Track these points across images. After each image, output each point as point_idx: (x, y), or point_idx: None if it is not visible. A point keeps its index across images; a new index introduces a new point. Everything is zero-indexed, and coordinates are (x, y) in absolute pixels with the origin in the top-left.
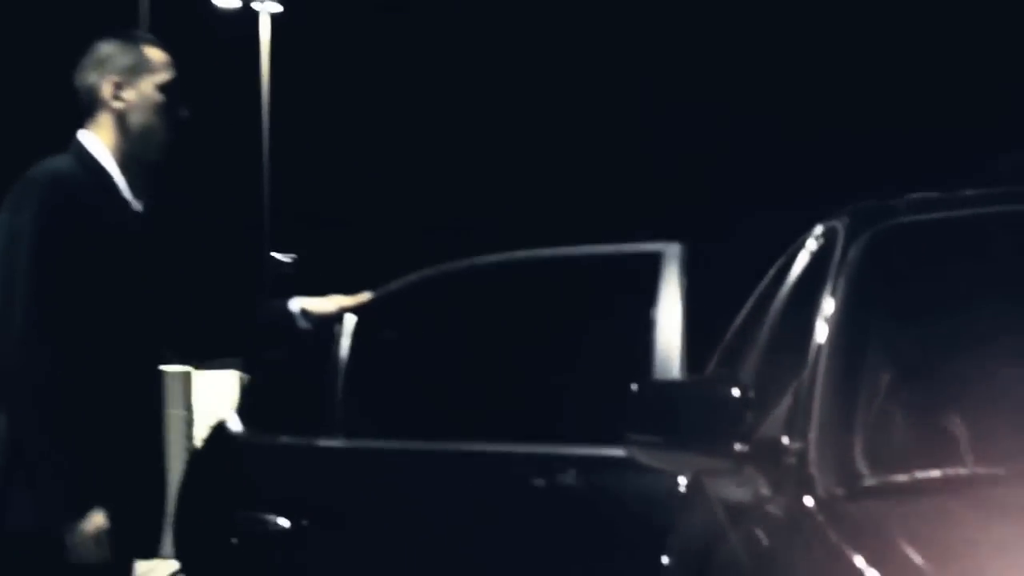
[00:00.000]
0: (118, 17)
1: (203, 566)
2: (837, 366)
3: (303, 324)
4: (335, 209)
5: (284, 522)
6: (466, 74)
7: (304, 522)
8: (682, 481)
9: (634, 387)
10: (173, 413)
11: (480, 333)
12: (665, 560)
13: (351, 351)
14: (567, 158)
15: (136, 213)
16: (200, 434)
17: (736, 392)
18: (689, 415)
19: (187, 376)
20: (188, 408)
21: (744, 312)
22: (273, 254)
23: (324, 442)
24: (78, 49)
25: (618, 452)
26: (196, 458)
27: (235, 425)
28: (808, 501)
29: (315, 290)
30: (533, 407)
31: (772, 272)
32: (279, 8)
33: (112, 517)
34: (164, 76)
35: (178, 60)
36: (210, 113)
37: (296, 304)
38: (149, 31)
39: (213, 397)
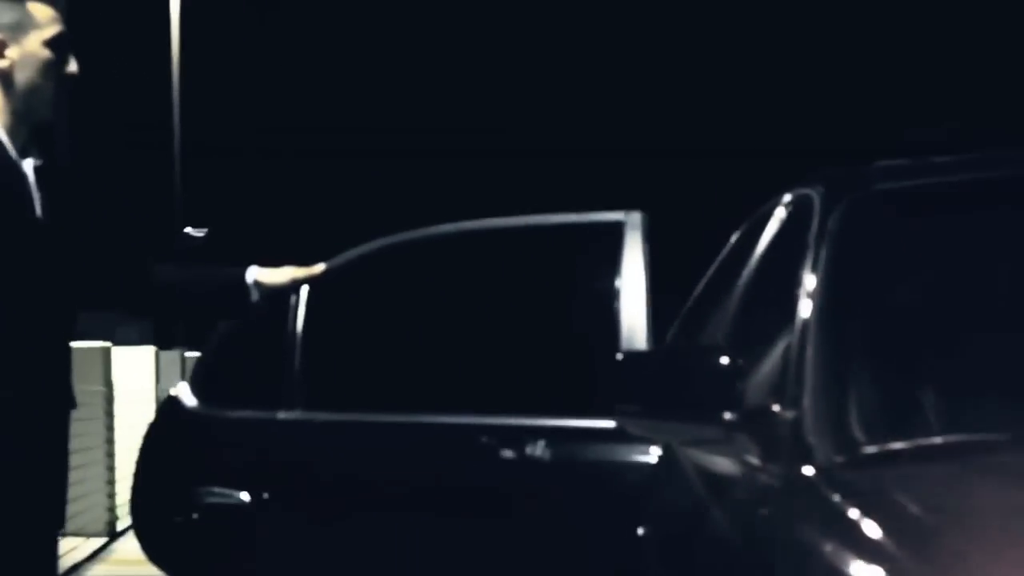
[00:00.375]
0: None
1: (163, 542)
2: (827, 333)
3: (255, 296)
4: (248, 182)
5: (245, 496)
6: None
7: (265, 495)
8: (654, 451)
9: (620, 356)
10: (92, 389)
11: (440, 303)
12: (640, 531)
13: (306, 322)
14: (513, 124)
15: (23, 174)
16: (119, 410)
17: (725, 361)
18: (677, 384)
19: (106, 352)
20: (107, 384)
21: (705, 281)
22: (187, 229)
23: (283, 415)
24: None
25: (586, 423)
26: (151, 434)
27: (189, 399)
28: (808, 470)
29: (227, 264)
30: (498, 378)
31: (733, 241)
32: None
33: (12, 491)
34: (51, 31)
35: (88, 27)
36: (120, 83)
37: (251, 274)
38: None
39: (131, 373)
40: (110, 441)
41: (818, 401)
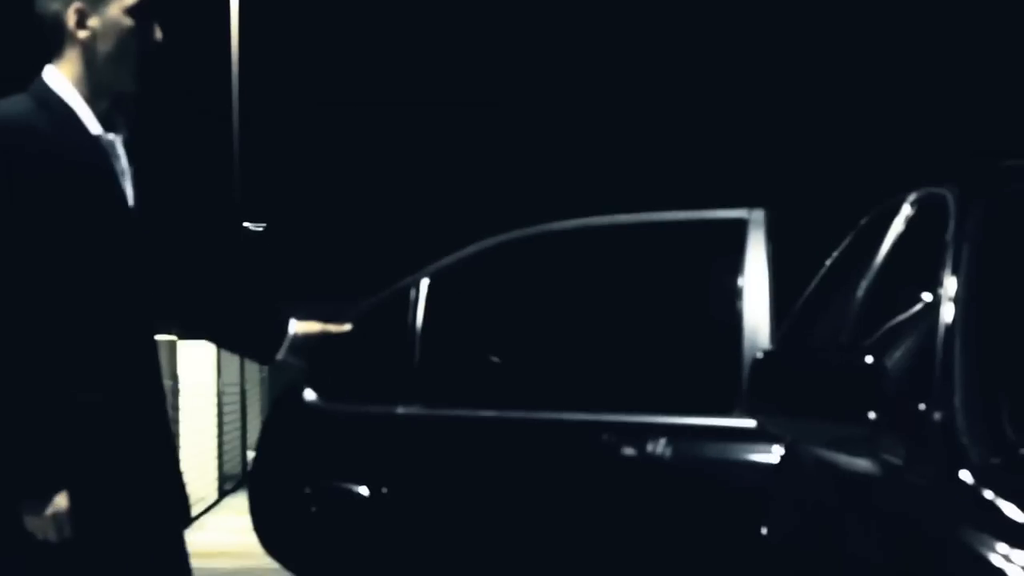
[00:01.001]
0: None
1: (282, 536)
2: (975, 334)
3: (283, 355)
4: (305, 179)
5: (364, 490)
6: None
7: (384, 490)
8: (776, 451)
9: (758, 356)
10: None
11: (560, 300)
12: (764, 531)
13: (426, 316)
14: (646, 123)
15: (106, 149)
16: (186, 404)
17: (870, 360)
18: (821, 384)
19: (172, 345)
20: (174, 378)
21: (820, 278)
22: (245, 223)
23: (403, 410)
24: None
25: (707, 421)
26: (269, 428)
27: (308, 393)
28: (964, 474)
29: (285, 259)
30: (619, 375)
31: (851, 238)
32: None
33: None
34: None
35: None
36: (179, 80)
37: (292, 327)
38: None
39: (193, 367)
40: (176, 435)
41: (970, 401)
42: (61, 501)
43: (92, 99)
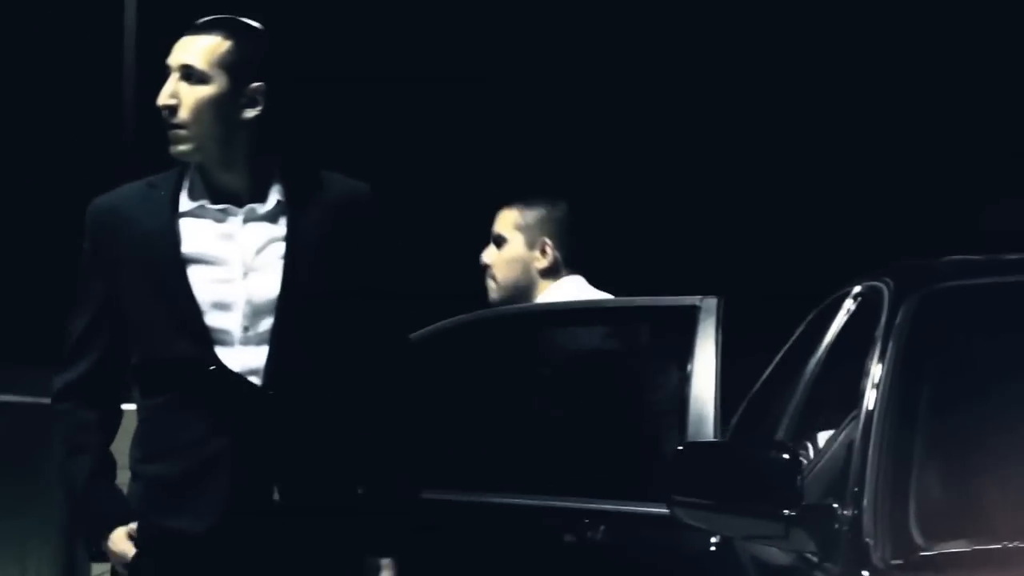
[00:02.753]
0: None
1: None
2: (890, 432)
3: None
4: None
5: None
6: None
7: None
8: (712, 541)
9: (680, 448)
10: None
11: (505, 383)
12: None
13: None
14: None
15: (180, 226)
16: None
17: (786, 456)
18: (737, 478)
19: None
20: None
21: (771, 369)
22: None
23: None
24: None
25: (650, 509)
26: None
27: None
28: (864, 572)
29: None
30: (561, 459)
31: (801, 329)
32: None
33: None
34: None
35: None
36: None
37: None
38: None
39: None
40: None
41: (877, 500)
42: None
43: (215, 168)
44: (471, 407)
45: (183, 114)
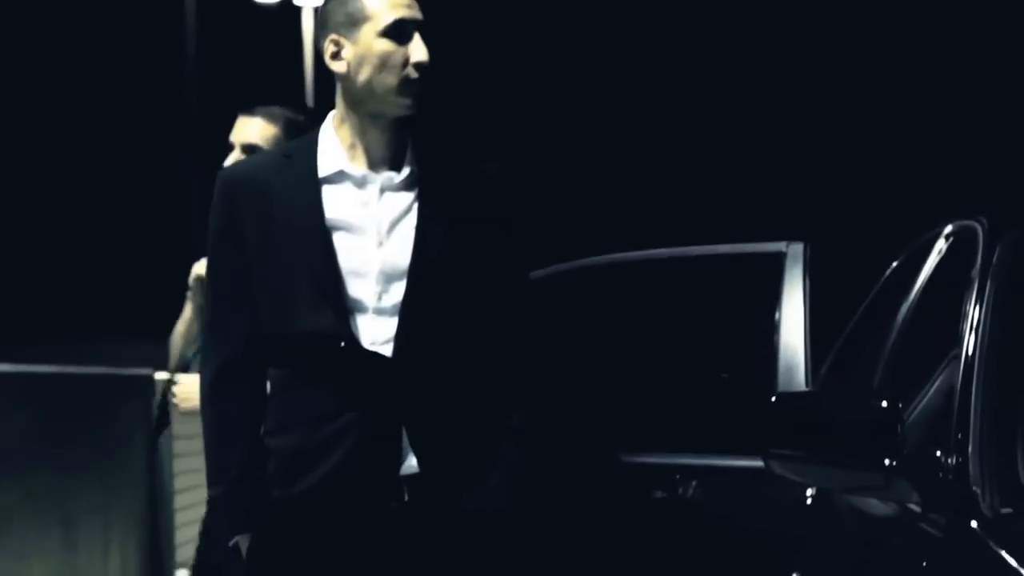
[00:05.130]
0: (163, 18)
1: None
2: (992, 375)
3: None
4: None
5: None
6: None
7: None
8: (809, 494)
9: (774, 398)
10: None
11: (587, 336)
12: None
13: None
14: (677, 155)
15: (321, 193)
16: None
17: (886, 404)
18: (834, 428)
19: None
20: None
21: (860, 315)
22: None
23: None
24: (124, 47)
25: (744, 462)
26: None
27: None
28: (973, 522)
29: None
30: (651, 415)
31: (890, 273)
32: (320, 1)
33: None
34: (386, 19)
35: (221, 58)
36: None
37: None
38: (194, 31)
39: None
40: None
41: (983, 447)
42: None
43: (358, 135)
44: (557, 362)
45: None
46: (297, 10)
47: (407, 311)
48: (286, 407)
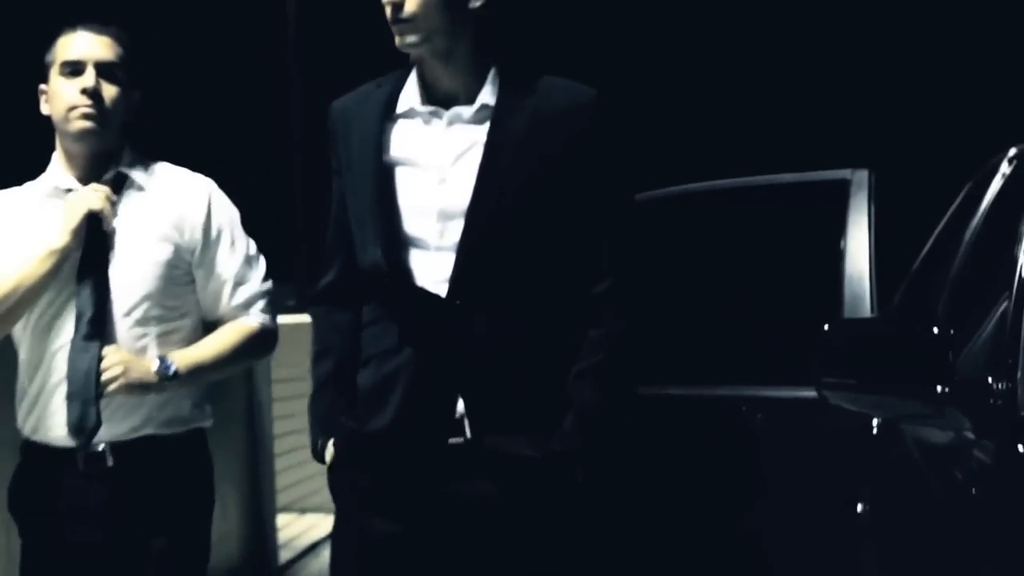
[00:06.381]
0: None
1: None
2: None
3: None
4: None
5: None
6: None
7: None
8: (874, 423)
9: (826, 327)
10: None
11: (655, 267)
12: (859, 507)
13: None
14: (739, 81)
15: (396, 128)
16: None
17: (936, 331)
18: (886, 356)
19: None
20: None
21: (930, 243)
22: None
23: None
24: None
25: (808, 393)
26: None
27: None
28: (1020, 447)
29: None
30: (717, 345)
31: (958, 200)
32: None
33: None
34: None
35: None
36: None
37: None
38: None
39: None
40: None
41: None
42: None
43: (428, 70)
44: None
45: (409, 7)
46: None
47: (463, 250)
48: (365, 341)
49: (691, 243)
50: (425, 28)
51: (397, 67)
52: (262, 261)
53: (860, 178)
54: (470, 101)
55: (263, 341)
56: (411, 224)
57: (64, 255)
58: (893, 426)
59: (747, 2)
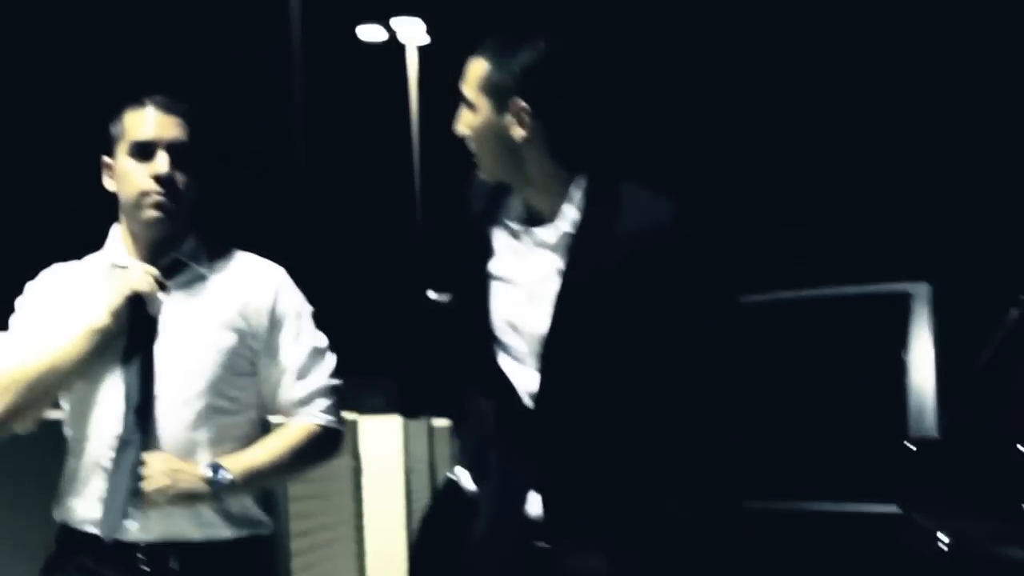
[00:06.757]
0: (269, 52)
1: None
2: None
3: None
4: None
5: None
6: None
7: None
8: (942, 539)
9: (911, 445)
10: (340, 462)
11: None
12: None
13: None
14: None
15: (494, 236)
16: (370, 483)
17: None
18: (978, 474)
19: (354, 424)
20: (356, 457)
21: (991, 354)
22: (429, 293)
23: None
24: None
25: (870, 508)
26: (429, 518)
27: (468, 483)
28: None
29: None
30: (777, 459)
31: (1014, 311)
32: (426, 40)
33: None
34: None
35: (327, 95)
36: (361, 148)
37: None
38: (301, 68)
39: (378, 444)
40: (359, 515)
41: None
42: None
43: (518, 186)
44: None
45: (472, 145)
46: (401, 48)
47: (545, 369)
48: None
49: (754, 352)
50: (488, 162)
51: None
52: (330, 357)
53: (920, 291)
54: (552, 220)
55: (326, 443)
56: (506, 335)
57: (105, 335)
58: (963, 546)
59: (806, 115)
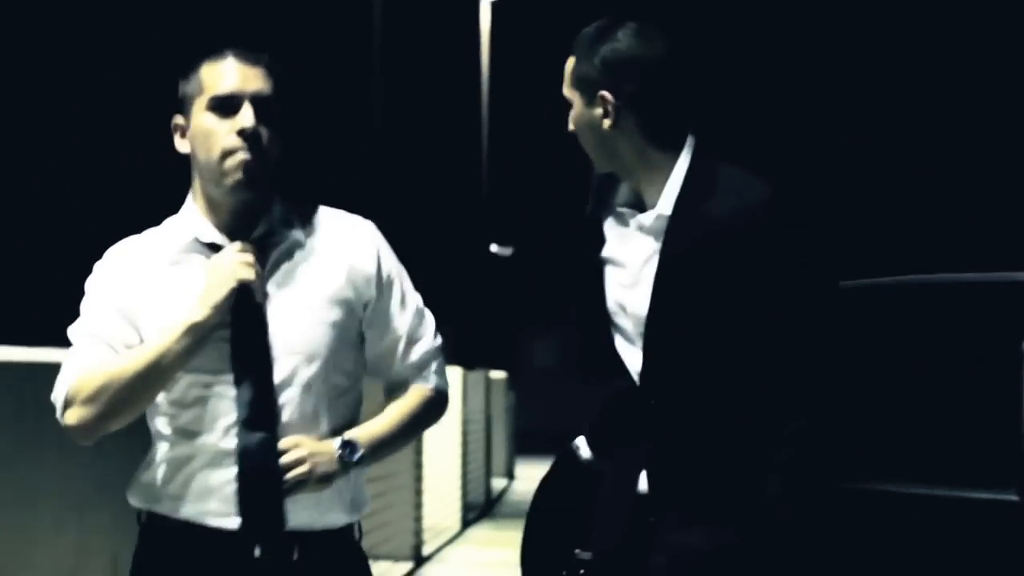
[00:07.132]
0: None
1: None
2: None
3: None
4: (554, 201)
5: None
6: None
7: None
8: None
9: None
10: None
11: (847, 361)
12: None
13: None
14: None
15: (601, 226)
16: (429, 432)
17: None
18: None
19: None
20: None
21: None
22: (493, 247)
23: None
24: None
25: (995, 496)
26: (545, 485)
27: (586, 451)
28: None
29: (532, 284)
30: (899, 443)
31: None
32: None
33: None
34: None
35: (400, 51)
36: (429, 105)
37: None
38: (380, 25)
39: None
40: (418, 465)
41: None
42: None
43: (621, 172)
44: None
45: (579, 137)
46: (476, 3)
47: (647, 351)
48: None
49: (876, 336)
50: (592, 155)
51: None
52: (430, 316)
53: None
54: (653, 204)
55: (438, 407)
56: (617, 316)
57: (206, 331)
58: None
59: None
